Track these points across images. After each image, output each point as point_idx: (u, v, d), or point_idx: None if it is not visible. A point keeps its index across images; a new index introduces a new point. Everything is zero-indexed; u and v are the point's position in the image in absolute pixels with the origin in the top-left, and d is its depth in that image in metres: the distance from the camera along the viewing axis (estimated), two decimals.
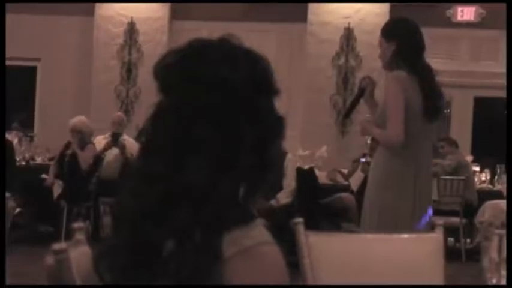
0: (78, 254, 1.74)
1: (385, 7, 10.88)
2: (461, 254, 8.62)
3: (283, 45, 11.49)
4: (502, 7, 9.31)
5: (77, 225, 1.92)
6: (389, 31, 4.55)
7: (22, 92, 12.26)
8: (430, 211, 4.48)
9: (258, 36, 10.49)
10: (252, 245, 1.45)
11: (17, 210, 8.75)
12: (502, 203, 8.10)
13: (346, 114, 5.06)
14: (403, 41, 4.46)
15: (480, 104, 11.60)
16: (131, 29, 11.65)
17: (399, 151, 4.37)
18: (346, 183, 9.31)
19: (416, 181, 4.39)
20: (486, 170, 9.71)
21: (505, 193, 8.60)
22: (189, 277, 1.44)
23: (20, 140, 10.11)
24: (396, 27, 4.62)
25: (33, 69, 12.22)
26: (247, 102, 1.52)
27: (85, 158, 8.71)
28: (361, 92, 4.80)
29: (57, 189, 8.75)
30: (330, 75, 11.15)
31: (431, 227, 3.96)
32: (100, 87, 11.59)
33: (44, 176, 8.99)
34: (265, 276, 1.46)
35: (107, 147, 9.06)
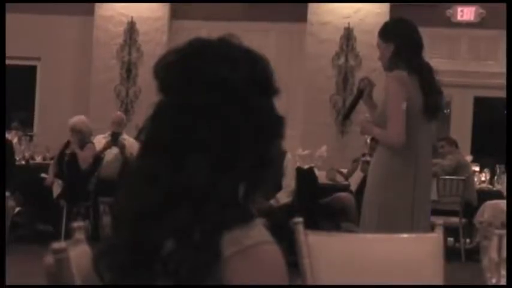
0: (78, 254, 1.74)
1: (385, 7, 10.88)
2: (460, 254, 8.62)
3: (283, 45, 11.49)
4: (502, 7, 9.32)
5: (76, 224, 1.92)
6: (386, 32, 4.56)
7: (22, 91, 12.26)
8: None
9: (257, 36, 10.51)
10: (251, 245, 1.45)
11: (17, 209, 8.76)
12: (502, 203, 8.10)
13: (345, 116, 5.06)
14: (400, 41, 4.46)
15: (480, 103, 11.60)
16: (131, 29, 11.66)
17: (399, 151, 4.37)
18: (345, 183, 9.32)
19: (416, 181, 4.40)
20: (486, 170, 9.71)
21: (504, 193, 8.60)
22: (188, 276, 1.44)
23: (19, 139, 10.10)
24: (393, 27, 4.62)
25: (33, 69, 12.23)
26: (247, 102, 1.52)
27: (85, 158, 8.71)
28: (360, 93, 4.80)
29: (56, 189, 8.75)
30: (330, 75, 11.15)
31: (431, 227, 3.96)
32: (100, 87, 11.59)
33: (43, 175, 8.98)
34: (265, 276, 1.46)
35: (107, 147, 9.07)
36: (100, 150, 8.98)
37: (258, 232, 1.49)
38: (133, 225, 1.51)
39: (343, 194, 9.01)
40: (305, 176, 8.55)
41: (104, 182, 8.56)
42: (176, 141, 1.50)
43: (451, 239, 9.08)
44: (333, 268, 2.41)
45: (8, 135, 9.20)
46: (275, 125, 1.57)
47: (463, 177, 8.87)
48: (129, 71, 11.69)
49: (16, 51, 10.97)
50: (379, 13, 10.69)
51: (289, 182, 7.93)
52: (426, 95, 4.38)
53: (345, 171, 9.57)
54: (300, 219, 2.41)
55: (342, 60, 11.18)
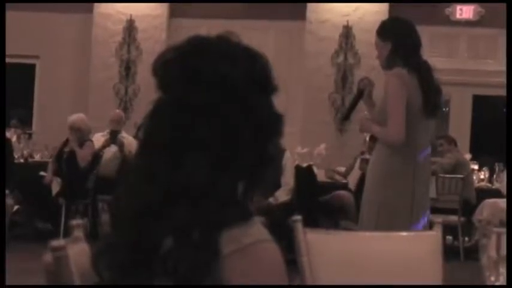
0: (77, 251, 1.74)
1: (384, 5, 10.88)
2: (459, 252, 8.62)
3: (282, 43, 11.49)
4: (501, 5, 9.33)
5: (75, 222, 1.92)
6: (384, 31, 4.57)
7: (21, 89, 12.25)
8: (425, 219, 4.47)
9: (257, 34, 10.51)
10: (250, 243, 1.45)
11: (16, 207, 8.76)
12: (501, 202, 8.10)
13: (345, 116, 5.06)
14: (398, 40, 4.47)
15: (479, 102, 11.60)
16: (130, 27, 11.65)
17: (398, 149, 4.37)
18: (344, 181, 9.32)
19: (416, 179, 4.40)
20: (484, 169, 9.71)
21: (503, 191, 8.61)
22: (187, 275, 1.43)
23: (18, 137, 10.11)
24: (391, 26, 4.63)
25: (32, 67, 12.22)
26: (246, 100, 1.52)
27: (83, 156, 8.71)
28: (360, 93, 4.81)
29: (55, 187, 8.75)
30: (329, 73, 11.15)
31: (429, 226, 3.97)
32: (99, 85, 11.59)
33: (42, 173, 8.98)
34: (264, 274, 1.46)
35: (106, 145, 9.07)
36: (99, 148, 8.98)
37: (257, 230, 1.49)
38: (133, 223, 1.51)
39: (342, 192, 9.01)
40: (304, 174, 8.55)
41: (103, 180, 8.56)
42: (175, 139, 1.50)
43: (449, 237, 9.09)
44: (332, 266, 2.41)
45: (7, 133, 9.20)
46: (274, 123, 1.57)
47: (461, 176, 8.87)
48: (128, 69, 11.68)
49: (15, 50, 10.97)
50: (378, 11, 10.68)
51: (288, 180, 7.92)
52: (425, 93, 4.39)
53: (342, 169, 9.58)
54: (298, 217, 2.41)
55: (341, 58, 11.17)
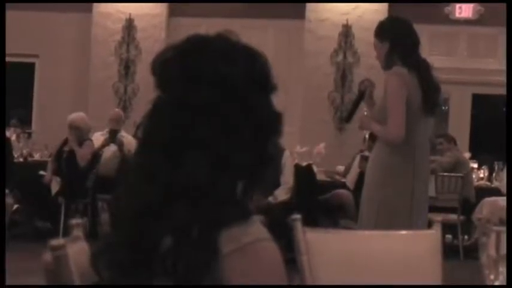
0: (76, 251, 1.74)
1: (383, 4, 10.88)
2: (459, 250, 8.62)
3: (281, 42, 11.49)
4: (501, 4, 9.32)
5: (74, 221, 1.92)
6: (381, 31, 4.58)
7: (20, 88, 12.25)
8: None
9: (256, 33, 10.51)
10: (250, 242, 1.45)
11: (15, 206, 8.75)
12: (500, 200, 8.11)
13: (347, 118, 5.07)
14: (396, 39, 4.48)
15: (478, 101, 11.60)
16: (129, 26, 11.65)
17: (398, 147, 4.37)
18: (343, 180, 9.32)
19: (415, 177, 4.40)
20: (484, 167, 9.71)
21: (502, 190, 8.61)
22: (186, 274, 1.43)
23: (18, 137, 10.11)
24: (388, 26, 4.63)
25: (31, 66, 12.22)
26: (245, 99, 1.52)
27: (83, 155, 8.70)
28: (361, 94, 4.84)
29: (55, 186, 8.74)
30: (328, 72, 11.15)
31: (428, 224, 3.96)
32: (98, 84, 11.59)
33: (42, 172, 8.98)
34: (263, 273, 1.46)
35: (105, 144, 9.06)
36: (98, 148, 8.98)
37: (256, 229, 1.48)
38: (132, 223, 1.51)
39: (341, 191, 9.01)
40: (303, 173, 8.55)
41: (102, 179, 8.56)
42: (174, 138, 1.50)
43: (449, 236, 9.09)
44: (331, 265, 2.41)
45: (6, 133, 9.20)
46: (274, 122, 1.57)
47: (461, 174, 8.87)
48: (127, 68, 11.68)
49: (14, 49, 10.97)
50: (378, 10, 10.68)
51: (287, 179, 7.92)
52: (424, 91, 4.39)
53: (341, 168, 9.58)
54: (298, 216, 2.41)
55: (340, 57, 11.17)
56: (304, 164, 8.90)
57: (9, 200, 8.24)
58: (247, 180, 1.54)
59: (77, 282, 1.66)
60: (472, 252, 8.15)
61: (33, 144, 10.19)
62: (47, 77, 11.99)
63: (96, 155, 8.86)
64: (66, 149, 8.83)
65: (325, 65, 11.15)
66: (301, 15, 11.18)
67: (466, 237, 8.95)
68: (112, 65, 11.66)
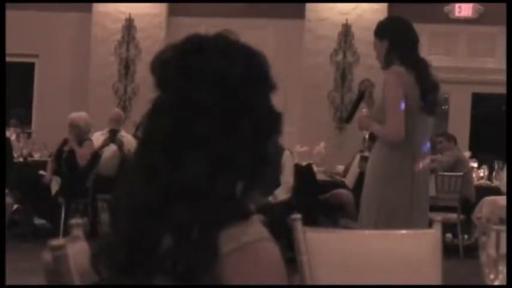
0: (76, 250, 1.74)
1: (383, 3, 10.87)
2: (459, 250, 8.62)
3: (281, 41, 11.48)
4: (500, 3, 9.32)
5: (74, 221, 1.92)
6: (380, 30, 4.59)
7: (20, 88, 12.25)
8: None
9: (255, 32, 10.49)
10: (250, 241, 1.45)
11: (15, 206, 8.75)
12: (500, 199, 8.10)
13: (347, 118, 5.08)
14: (394, 38, 4.49)
15: (478, 100, 11.60)
16: (129, 26, 11.65)
17: (398, 146, 4.37)
18: (343, 179, 9.32)
19: (414, 175, 4.40)
20: (484, 166, 9.71)
21: (502, 189, 8.61)
22: (186, 273, 1.43)
23: (18, 137, 10.10)
24: (387, 25, 4.64)
25: (31, 66, 12.22)
26: (244, 98, 1.52)
27: (83, 155, 8.70)
28: (361, 95, 4.85)
29: (55, 186, 8.74)
30: (328, 71, 11.15)
31: (429, 224, 3.96)
32: (98, 84, 11.59)
33: (41, 172, 8.98)
34: (263, 273, 1.46)
35: (105, 144, 9.06)
36: (98, 147, 8.98)
37: (256, 229, 1.48)
38: (132, 223, 1.51)
39: (341, 191, 9.01)
40: (303, 173, 8.55)
41: (102, 179, 8.57)
42: (174, 138, 1.50)
43: (449, 235, 9.09)
44: (331, 265, 2.41)
45: (6, 132, 9.20)
46: (273, 122, 1.56)
47: (461, 173, 8.88)
48: (127, 67, 11.68)
49: (14, 49, 10.97)
50: (378, 9, 10.68)
51: (287, 178, 7.92)
52: (423, 90, 4.39)
53: (341, 167, 9.58)
54: (298, 216, 2.41)
55: (340, 56, 11.17)
56: (304, 163, 8.90)
57: (9, 199, 8.24)
58: (247, 180, 1.54)
59: (77, 282, 1.66)
60: (472, 251, 8.15)
61: (33, 144, 10.18)
62: (47, 77, 11.98)
63: (96, 155, 8.86)
64: (66, 148, 8.83)
65: (325, 65, 11.16)
66: (301, 14, 11.18)
67: (466, 236, 8.95)
68: (112, 64, 11.66)
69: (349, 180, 9.00)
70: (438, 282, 2.50)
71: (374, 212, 4.41)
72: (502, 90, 8.88)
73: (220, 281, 1.43)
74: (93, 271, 1.57)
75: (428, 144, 4.60)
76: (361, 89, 4.89)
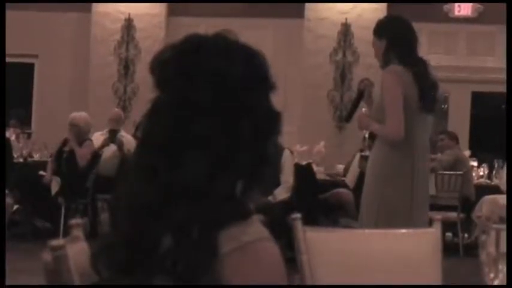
0: (76, 251, 1.74)
1: (382, 3, 10.87)
2: (459, 249, 8.63)
3: (280, 41, 11.48)
4: (500, 2, 9.31)
5: (74, 221, 1.92)
6: (379, 29, 4.60)
7: (20, 88, 12.25)
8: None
9: (255, 32, 10.48)
10: (250, 241, 1.45)
11: (15, 206, 8.75)
12: (500, 198, 8.11)
13: (347, 118, 5.09)
14: (393, 37, 4.49)
15: (477, 99, 11.60)
16: (128, 25, 11.64)
17: (398, 145, 4.37)
18: (343, 178, 9.32)
19: (414, 175, 4.40)
20: (484, 165, 9.72)
21: (502, 188, 8.61)
22: (186, 273, 1.43)
23: (17, 137, 10.10)
24: (385, 24, 4.65)
25: (30, 66, 12.21)
26: (244, 98, 1.52)
27: (83, 155, 8.70)
28: (361, 94, 4.85)
29: (55, 186, 8.75)
30: (328, 70, 11.15)
31: (429, 223, 3.96)
32: (98, 84, 11.58)
33: (41, 172, 8.98)
34: (263, 273, 1.46)
35: (105, 144, 9.06)
36: (98, 148, 8.98)
37: (256, 229, 1.48)
38: (132, 223, 1.51)
39: (341, 190, 9.01)
40: (303, 172, 8.55)
41: (102, 179, 8.57)
42: (174, 138, 1.50)
43: (449, 234, 9.09)
44: (331, 264, 2.41)
45: (6, 133, 9.20)
46: (273, 121, 1.56)
47: (461, 172, 8.88)
48: (126, 67, 11.68)
49: (14, 49, 10.95)
50: (377, 9, 10.68)
51: (287, 178, 7.92)
52: (421, 88, 4.39)
53: (341, 167, 9.57)
54: (298, 215, 2.41)
55: (339, 56, 11.17)
56: (304, 163, 8.90)
57: (9, 200, 8.24)
58: (247, 180, 1.54)
59: (77, 282, 1.66)
60: (472, 250, 8.15)
61: (33, 144, 10.18)
62: (47, 77, 11.98)
63: (96, 155, 8.87)
64: (66, 149, 8.83)
65: (325, 64, 11.15)
66: (300, 14, 11.18)
67: (466, 235, 8.95)
68: (111, 64, 11.66)
69: (350, 179, 9.00)
70: (438, 281, 2.50)
71: (374, 212, 4.42)
72: (502, 89, 8.87)
73: (220, 281, 1.43)
74: (93, 271, 1.57)
75: (428, 145, 4.60)
76: (360, 88, 4.91)
